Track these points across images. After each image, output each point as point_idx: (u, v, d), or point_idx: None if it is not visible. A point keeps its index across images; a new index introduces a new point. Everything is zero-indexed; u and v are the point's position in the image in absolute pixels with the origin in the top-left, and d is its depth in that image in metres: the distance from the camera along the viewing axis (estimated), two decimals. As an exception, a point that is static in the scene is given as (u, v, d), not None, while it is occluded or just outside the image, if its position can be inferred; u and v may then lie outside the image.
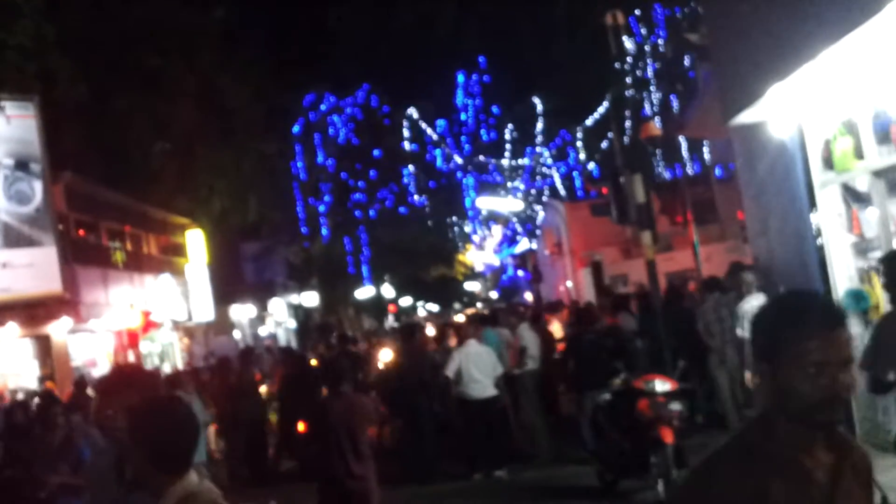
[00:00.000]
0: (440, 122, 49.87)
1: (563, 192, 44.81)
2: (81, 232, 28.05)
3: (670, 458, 9.41)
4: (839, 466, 2.45)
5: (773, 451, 2.39)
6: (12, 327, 23.47)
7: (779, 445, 2.39)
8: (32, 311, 23.85)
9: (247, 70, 36.95)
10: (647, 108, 38.54)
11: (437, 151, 49.89)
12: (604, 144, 40.33)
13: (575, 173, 45.40)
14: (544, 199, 44.92)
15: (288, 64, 41.81)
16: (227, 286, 38.56)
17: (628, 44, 36.98)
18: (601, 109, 39.82)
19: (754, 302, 10.70)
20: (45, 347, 24.86)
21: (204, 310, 34.59)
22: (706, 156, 35.12)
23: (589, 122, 42.74)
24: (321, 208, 48.74)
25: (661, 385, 9.85)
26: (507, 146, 47.53)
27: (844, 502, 2.46)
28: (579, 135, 44.46)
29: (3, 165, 23.66)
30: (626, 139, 16.57)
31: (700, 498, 2.42)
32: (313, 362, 17.24)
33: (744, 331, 10.57)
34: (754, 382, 10.42)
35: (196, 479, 3.31)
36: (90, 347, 27.48)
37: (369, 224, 50.95)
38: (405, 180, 50.66)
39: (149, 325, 28.41)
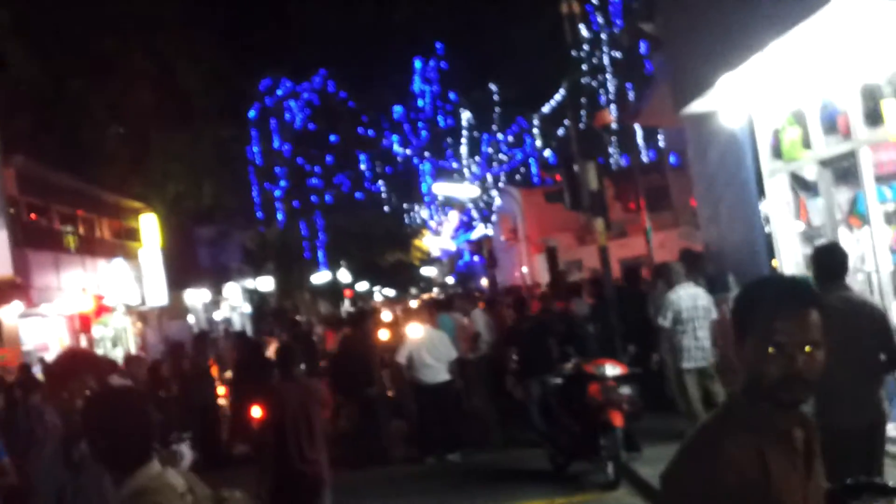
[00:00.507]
0: (397, 108, 49.88)
1: (519, 178, 45.03)
2: (33, 216, 27.75)
3: (619, 440, 9.59)
4: (810, 440, 2.55)
5: (766, 423, 2.46)
6: (-39, 311, 23.23)
7: (769, 418, 2.46)
8: (-18, 296, 23.60)
9: (205, 54, 36.66)
10: (603, 97, 38.75)
11: (394, 137, 49.90)
12: (560, 132, 40.54)
13: (531, 160, 45.62)
14: (500, 185, 45.08)
15: (246, 48, 41.57)
16: (182, 271, 38.31)
17: (585, 32, 37.12)
18: (557, 97, 40.02)
19: (681, 292, 10.83)
20: (-6, 331, 24.61)
21: (158, 294, 34.33)
22: (661, 143, 35.42)
23: (545, 109, 42.93)
24: (277, 193, 48.62)
25: (612, 369, 10.00)
26: (464, 132, 47.64)
27: (817, 473, 2.58)
28: (536, 122, 44.65)
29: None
30: (581, 126, 16.71)
31: (702, 469, 2.43)
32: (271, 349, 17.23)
33: (665, 320, 10.72)
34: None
35: (158, 469, 3.25)
36: (42, 332, 27.22)
37: (325, 209, 50.88)
38: (361, 166, 50.63)
39: (101, 310, 28.19)
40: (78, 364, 4.65)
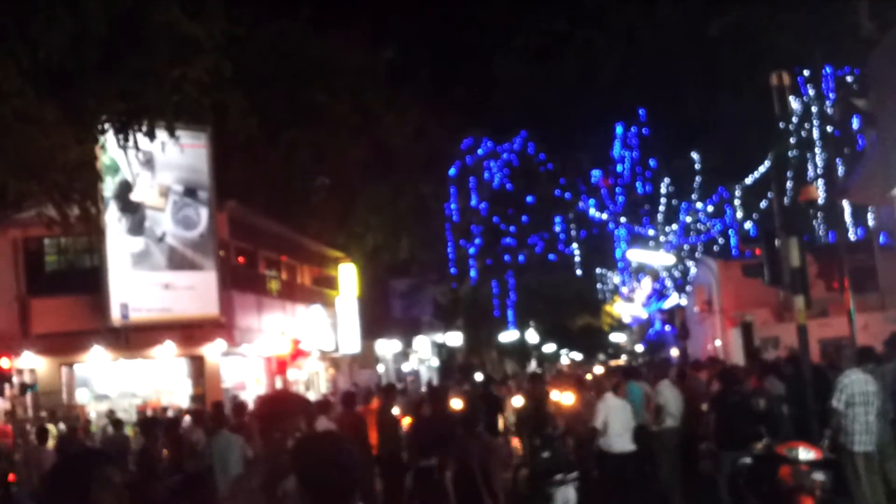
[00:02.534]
0: (595, 172, 49.76)
1: (716, 249, 44.02)
2: (241, 259, 29.08)
3: (810, 528, 9.18)
4: None
5: None
6: (170, 346, 24.49)
7: None
8: (189, 332, 24.85)
9: (411, 110, 37.71)
10: (810, 171, 37.58)
11: (591, 201, 49.75)
12: (762, 204, 39.48)
13: (730, 231, 44.56)
14: (697, 255, 44.21)
15: (450, 107, 42.50)
16: (374, 321, 39.23)
17: (794, 104, 36.19)
18: (762, 169, 39.07)
19: (852, 376, 11.01)
20: (198, 368, 25.83)
21: (351, 342, 35.27)
22: (870, 222, 34.01)
23: (748, 180, 41.94)
24: (471, 250, 49.12)
25: (805, 453, 9.62)
26: (662, 200, 47.05)
27: None
28: (737, 193, 43.66)
29: (173, 191, 24.88)
30: (786, 200, 16.31)
31: None
32: (458, 402, 17.34)
33: (839, 403, 10.84)
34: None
35: None
36: (241, 371, 28.38)
37: (517, 269, 51.04)
38: (556, 228, 50.64)
39: (297, 354, 29.17)
40: (291, 406, 4.87)
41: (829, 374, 13.50)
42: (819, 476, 9.40)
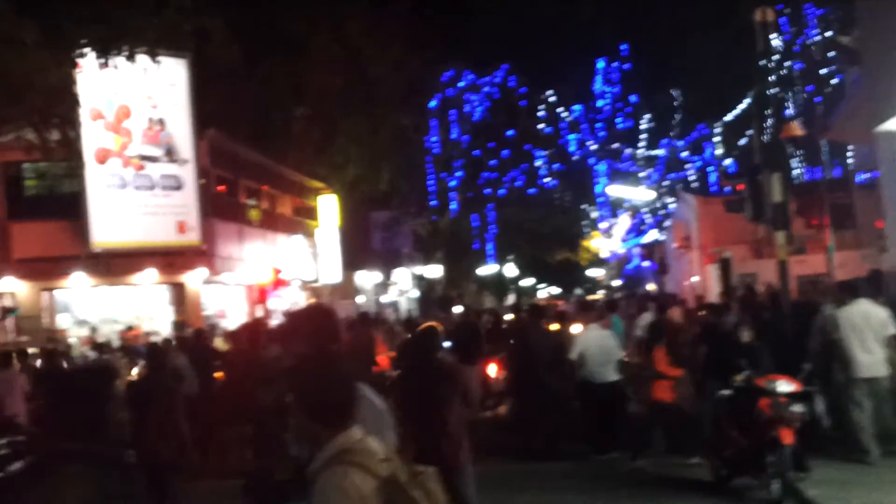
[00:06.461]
0: (577, 107, 49.71)
1: (696, 185, 44.22)
2: (221, 187, 28.97)
3: (787, 459, 9.34)
4: None
5: None
6: (151, 273, 24.49)
7: None
8: (170, 260, 24.83)
9: (391, 41, 37.40)
10: (791, 108, 37.63)
11: (572, 136, 49.75)
12: (742, 141, 39.60)
13: (710, 168, 44.74)
14: (677, 191, 44.38)
15: (431, 38, 42.15)
16: (355, 252, 39.25)
17: (776, 41, 36.11)
18: (743, 106, 39.13)
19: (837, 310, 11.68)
20: (179, 295, 25.86)
21: (332, 272, 35.36)
22: (849, 160, 34.20)
23: (729, 117, 42.03)
24: (452, 183, 49.12)
25: (784, 385, 9.75)
26: (643, 136, 47.11)
27: None
28: (718, 129, 43.75)
29: (153, 119, 24.67)
30: (766, 137, 16.35)
31: None
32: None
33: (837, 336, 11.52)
34: None
35: (359, 434, 3.42)
36: (222, 298, 28.44)
37: (498, 202, 51.10)
38: (537, 162, 50.67)
39: (278, 283, 29.23)
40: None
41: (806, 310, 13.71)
42: (798, 408, 9.54)
